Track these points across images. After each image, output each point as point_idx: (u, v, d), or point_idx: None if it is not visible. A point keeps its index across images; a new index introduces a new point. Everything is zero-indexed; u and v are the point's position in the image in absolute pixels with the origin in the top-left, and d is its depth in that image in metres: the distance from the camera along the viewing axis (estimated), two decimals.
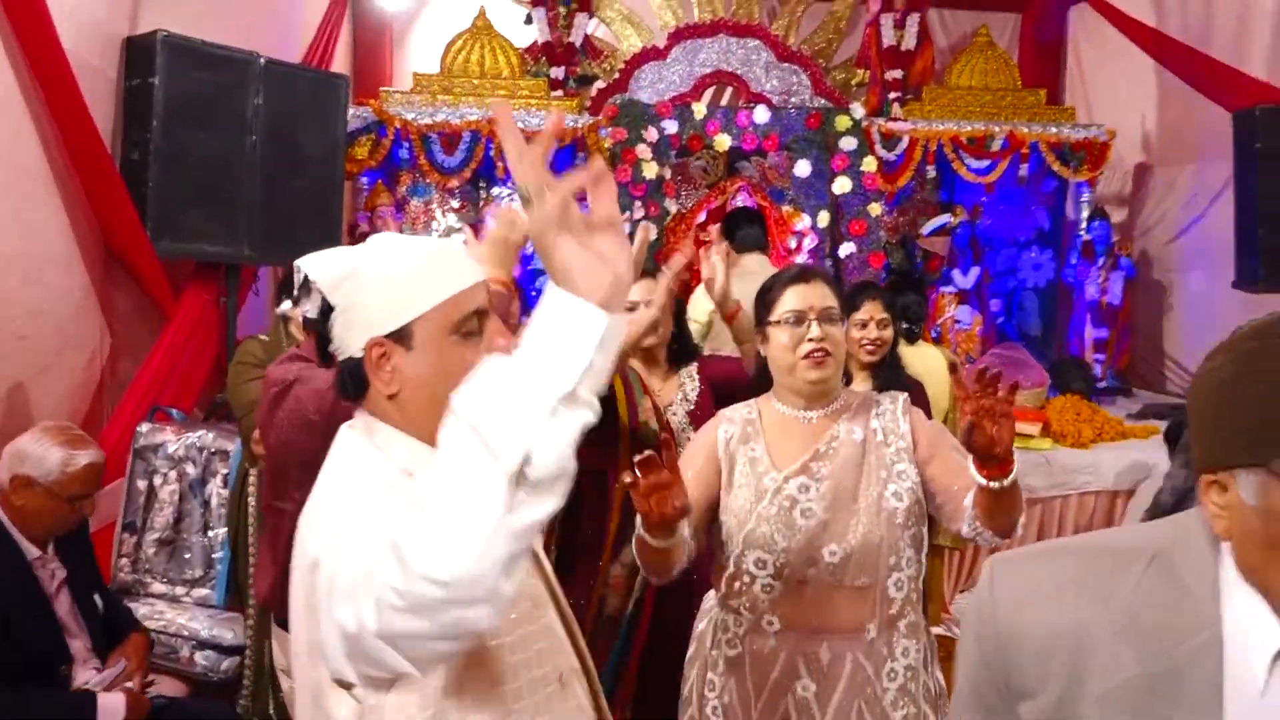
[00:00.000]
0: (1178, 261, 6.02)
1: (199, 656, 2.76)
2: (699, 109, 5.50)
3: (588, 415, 0.94)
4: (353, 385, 1.24)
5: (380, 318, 1.20)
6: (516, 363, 0.93)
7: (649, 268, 2.60)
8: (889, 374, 2.97)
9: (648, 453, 1.55)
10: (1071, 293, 6.01)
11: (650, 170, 5.35)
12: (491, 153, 5.45)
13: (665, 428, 2.45)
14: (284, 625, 1.91)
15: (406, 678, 1.06)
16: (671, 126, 5.44)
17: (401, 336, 1.20)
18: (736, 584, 1.86)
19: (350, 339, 1.22)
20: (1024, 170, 5.81)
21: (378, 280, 1.20)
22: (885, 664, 1.80)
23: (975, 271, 5.96)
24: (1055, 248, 6.20)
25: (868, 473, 1.84)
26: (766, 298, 1.95)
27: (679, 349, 2.71)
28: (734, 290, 4.08)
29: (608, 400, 2.34)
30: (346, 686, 1.10)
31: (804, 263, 2.05)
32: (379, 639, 0.98)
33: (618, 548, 2.37)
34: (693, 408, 2.63)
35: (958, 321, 5.86)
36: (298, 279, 1.27)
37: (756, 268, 3.92)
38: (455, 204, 5.98)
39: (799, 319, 1.87)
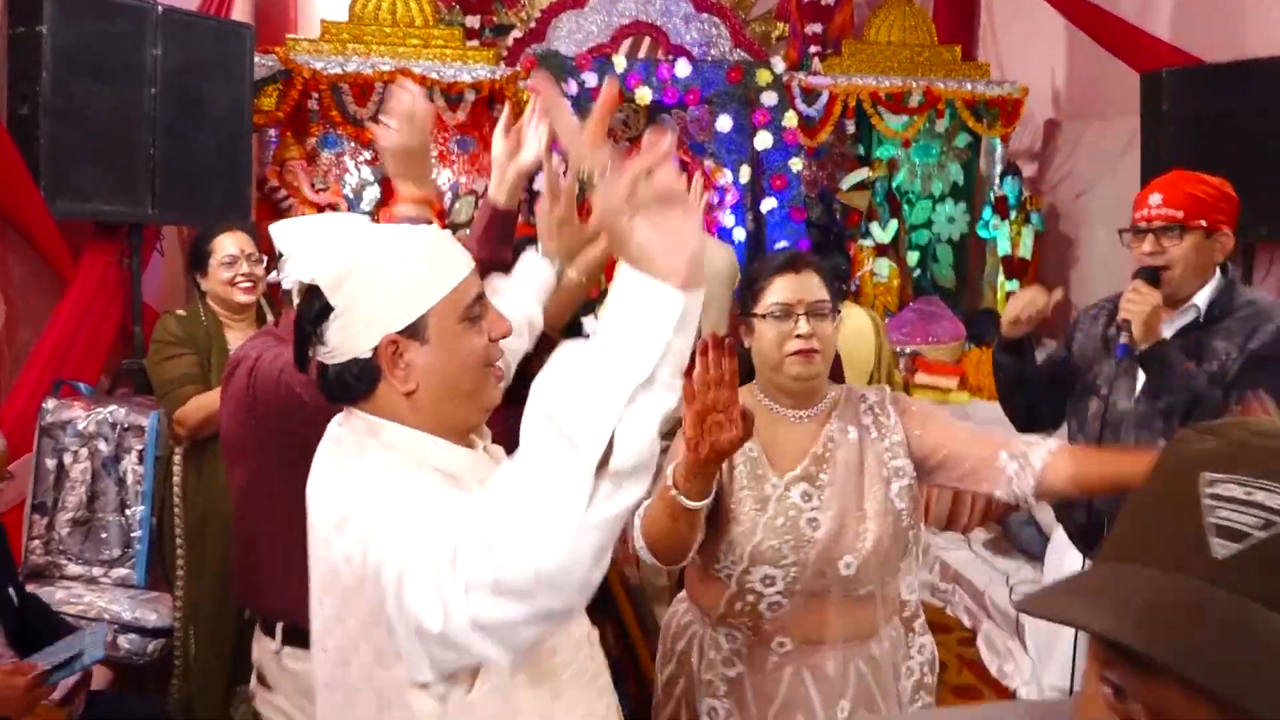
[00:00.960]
0: (1085, 216, 6.19)
1: (123, 640, 2.66)
2: (619, 62, 5.40)
3: (668, 399, 0.91)
4: (362, 384, 1.20)
5: (392, 314, 1.17)
6: (594, 350, 0.91)
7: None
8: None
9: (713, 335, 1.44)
10: (985, 245, 6.14)
11: None
12: None
13: None
14: (265, 628, 1.82)
15: (484, 671, 1.07)
16: (592, 79, 5.33)
17: (415, 331, 1.18)
18: (739, 604, 1.72)
19: (356, 340, 1.18)
20: (940, 125, 5.88)
21: (383, 275, 1.17)
22: (903, 663, 1.77)
23: (893, 225, 6.04)
24: (969, 201, 6.32)
25: (869, 474, 1.74)
26: (753, 287, 1.80)
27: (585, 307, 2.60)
28: None
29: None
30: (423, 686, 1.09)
31: (794, 249, 1.97)
32: (470, 629, 0.95)
33: None
34: None
35: (875, 275, 5.94)
36: (280, 247, 1.25)
37: None
38: (368, 156, 5.80)
39: (786, 312, 1.74)
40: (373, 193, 5.77)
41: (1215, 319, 2.23)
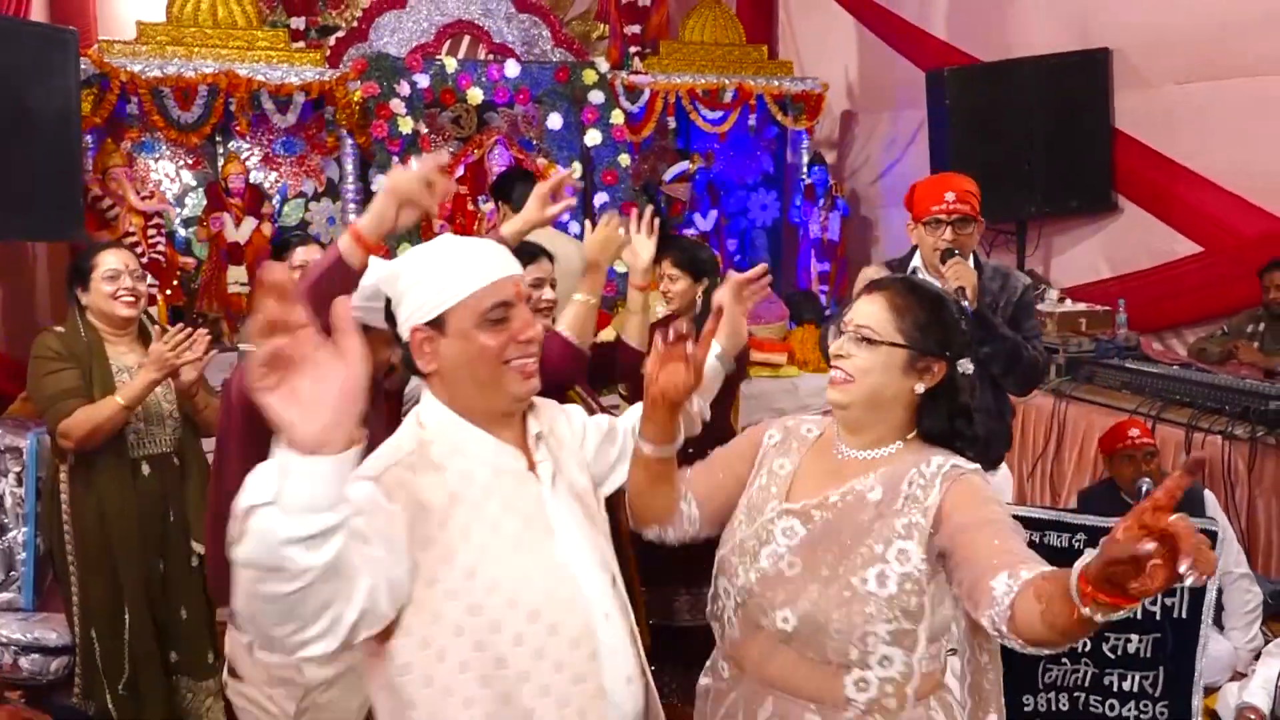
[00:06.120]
0: (881, 199, 6.83)
1: (24, 661, 2.62)
2: (450, 63, 5.51)
3: (289, 525, 1.05)
4: (411, 363, 1.43)
5: (420, 308, 1.39)
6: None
7: (535, 248, 2.54)
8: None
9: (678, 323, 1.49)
10: (797, 230, 6.66)
11: (406, 125, 5.33)
12: (232, 107, 5.19)
13: None
14: (237, 623, 1.98)
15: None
16: (423, 80, 5.42)
17: (438, 324, 1.39)
18: (713, 606, 1.66)
19: (402, 327, 1.43)
20: (752, 120, 6.33)
21: (418, 277, 1.40)
22: None
23: (713, 214, 6.44)
24: (779, 189, 6.82)
25: (860, 541, 1.50)
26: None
27: None
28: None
29: None
30: None
31: (892, 276, 1.74)
32: None
33: None
34: None
35: None
36: None
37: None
38: (190, 161, 5.65)
39: (841, 329, 1.59)
40: (196, 199, 5.64)
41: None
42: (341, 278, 1.64)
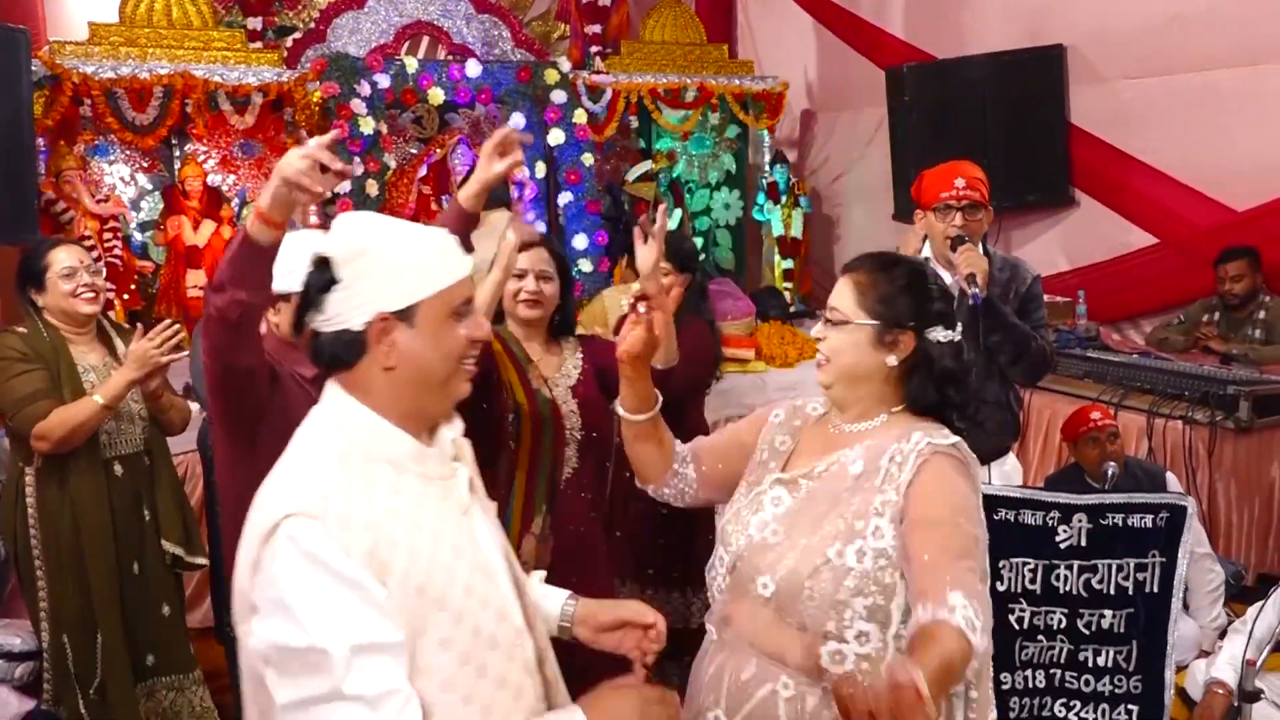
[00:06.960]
0: (843, 197, 6.90)
1: None
2: (411, 63, 5.48)
3: None
4: (347, 354, 1.29)
5: (389, 295, 1.27)
6: None
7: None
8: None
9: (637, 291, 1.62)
10: (760, 228, 6.69)
11: (367, 126, 5.28)
12: (189, 109, 5.11)
13: (551, 399, 2.40)
14: None
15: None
16: (384, 80, 5.38)
17: (406, 314, 1.28)
18: (710, 572, 1.71)
19: (351, 313, 1.28)
20: (713, 119, 6.36)
21: (390, 261, 1.28)
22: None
23: (677, 213, 6.46)
24: (741, 189, 6.86)
25: (840, 512, 1.55)
26: None
27: (561, 319, 2.54)
28: (481, 249, 4.20)
29: (490, 380, 2.34)
30: None
31: (875, 253, 1.70)
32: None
33: (527, 516, 2.36)
34: (574, 384, 2.47)
35: None
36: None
37: (502, 225, 4.07)
38: (145, 164, 5.55)
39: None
40: (153, 202, 5.54)
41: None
42: (252, 255, 1.70)
